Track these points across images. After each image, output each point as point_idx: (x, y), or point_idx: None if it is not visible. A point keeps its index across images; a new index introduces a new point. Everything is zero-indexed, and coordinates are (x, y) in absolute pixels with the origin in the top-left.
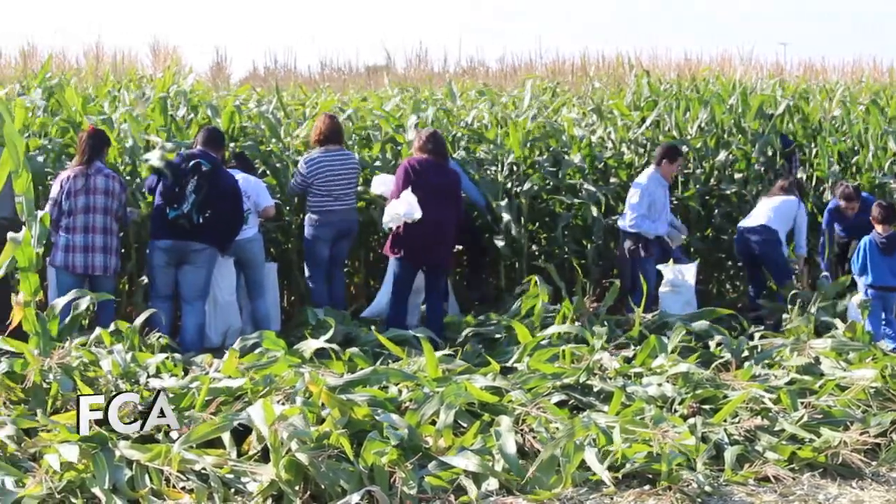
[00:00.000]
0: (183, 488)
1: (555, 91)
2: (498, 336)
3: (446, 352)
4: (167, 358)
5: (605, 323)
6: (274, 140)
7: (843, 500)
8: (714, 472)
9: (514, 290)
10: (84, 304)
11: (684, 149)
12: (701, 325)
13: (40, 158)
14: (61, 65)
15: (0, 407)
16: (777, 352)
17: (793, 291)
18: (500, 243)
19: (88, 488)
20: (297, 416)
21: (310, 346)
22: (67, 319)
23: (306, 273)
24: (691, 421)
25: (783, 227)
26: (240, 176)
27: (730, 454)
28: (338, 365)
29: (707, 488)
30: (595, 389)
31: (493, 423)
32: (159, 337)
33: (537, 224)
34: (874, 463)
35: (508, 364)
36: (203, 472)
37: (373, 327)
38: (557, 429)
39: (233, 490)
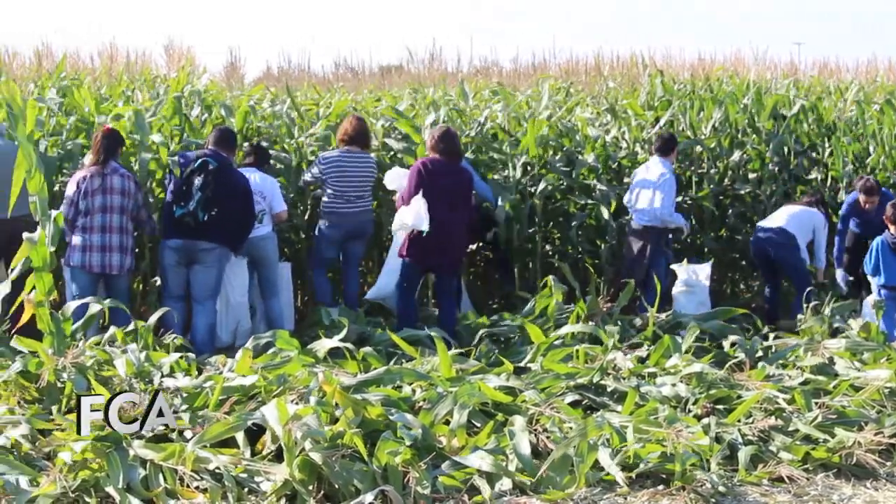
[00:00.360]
0: (197, 488)
1: (568, 91)
2: (511, 336)
3: (460, 351)
4: (181, 357)
5: (619, 323)
6: (288, 140)
7: (858, 501)
8: (728, 472)
9: (528, 290)
10: (98, 307)
11: (698, 149)
12: (715, 325)
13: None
14: (75, 64)
15: (14, 406)
16: (791, 352)
17: (808, 289)
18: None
19: (102, 487)
20: (310, 415)
21: (323, 345)
22: (81, 321)
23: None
24: (705, 421)
25: (801, 234)
26: (257, 176)
27: (744, 454)
28: (351, 364)
29: (721, 488)
30: (609, 389)
31: (506, 422)
32: (174, 337)
33: (551, 224)
34: (889, 463)
35: (522, 364)
36: (217, 471)
37: (387, 328)
38: (571, 429)
39: (246, 489)
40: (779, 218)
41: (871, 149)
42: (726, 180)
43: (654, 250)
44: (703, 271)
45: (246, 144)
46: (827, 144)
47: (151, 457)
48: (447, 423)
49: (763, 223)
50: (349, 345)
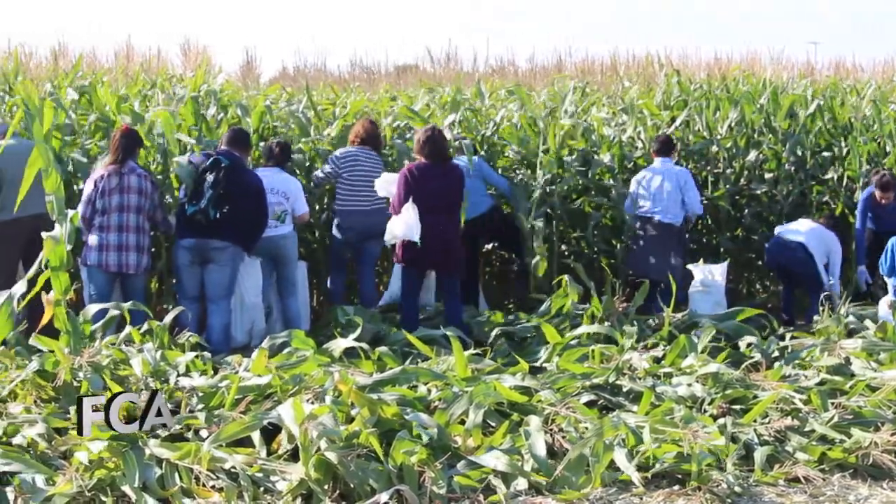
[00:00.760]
0: (213, 487)
1: (584, 90)
2: (527, 336)
3: (475, 351)
4: (197, 357)
5: (635, 322)
6: (304, 139)
7: (874, 502)
8: (744, 472)
9: (543, 290)
10: (117, 310)
11: (714, 149)
12: (731, 325)
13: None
14: (92, 64)
15: (31, 405)
16: (807, 352)
17: (824, 293)
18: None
19: (118, 486)
20: (326, 415)
21: (339, 345)
22: (101, 323)
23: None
24: (721, 421)
25: (819, 252)
26: (282, 176)
27: (760, 455)
28: (367, 364)
29: (737, 489)
30: (624, 389)
31: (522, 422)
32: (189, 336)
33: (567, 223)
34: None
35: (537, 364)
36: (233, 470)
37: (402, 328)
38: (587, 429)
39: (262, 489)
40: (797, 232)
41: (887, 148)
42: (742, 180)
43: (679, 248)
44: (720, 271)
45: (265, 144)
46: (843, 144)
47: (167, 456)
48: (463, 422)
49: (781, 234)
50: (364, 344)
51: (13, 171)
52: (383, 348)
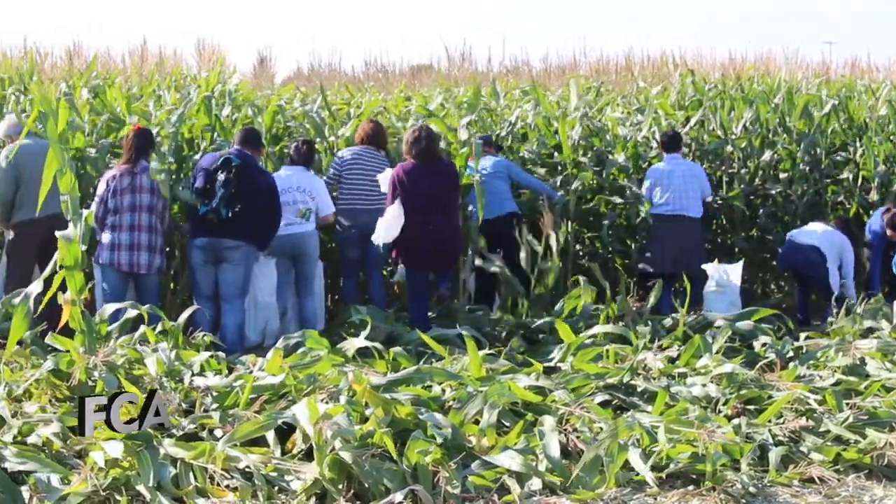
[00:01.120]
0: (227, 486)
1: (599, 90)
2: (542, 336)
3: (490, 351)
4: (211, 356)
5: (649, 322)
6: (318, 139)
7: (889, 502)
8: (758, 472)
9: (558, 290)
10: (134, 311)
11: (729, 149)
12: (745, 325)
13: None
14: (107, 64)
15: (46, 404)
16: (822, 353)
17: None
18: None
19: (133, 486)
20: (340, 414)
21: (353, 344)
22: (118, 324)
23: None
24: (736, 421)
25: (832, 255)
26: (307, 176)
27: (774, 455)
28: (381, 364)
29: (751, 489)
30: (639, 389)
31: (536, 422)
32: (203, 335)
33: (581, 223)
34: None
35: (552, 364)
36: (247, 470)
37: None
38: (601, 429)
39: (276, 488)
40: (811, 235)
41: None
42: (757, 180)
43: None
44: (735, 271)
45: (292, 142)
46: (858, 144)
47: (182, 455)
48: (477, 422)
49: (794, 238)
50: (378, 344)
51: (30, 171)
52: (397, 348)
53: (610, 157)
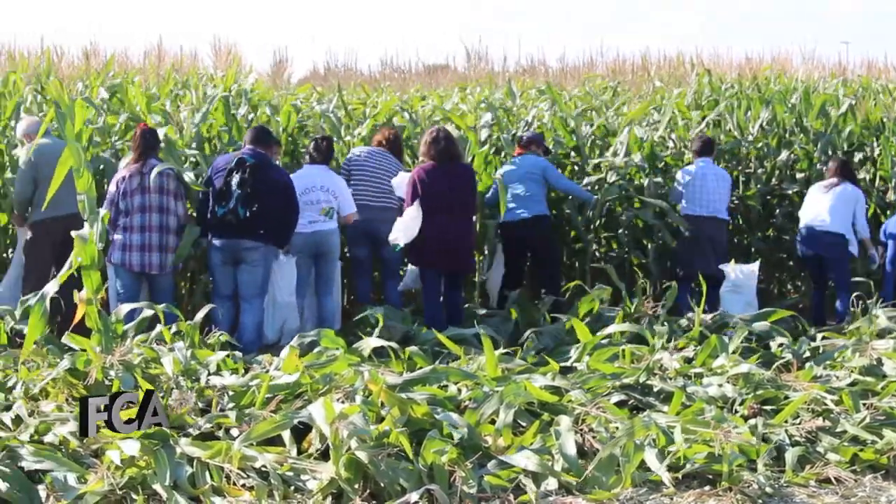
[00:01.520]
0: (243, 485)
1: (615, 90)
2: (558, 335)
3: (505, 351)
4: (227, 356)
5: (666, 323)
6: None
7: None
8: (775, 473)
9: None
10: (149, 311)
11: (745, 148)
12: (762, 325)
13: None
14: (123, 64)
15: (63, 403)
16: (839, 353)
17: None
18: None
19: (149, 485)
20: (356, 414)
21: (368, 344)
22: (133, 324)
23: None
24: (752, 422)
25: (847, 226)
26: (331, 175)
27: (791, 455)
28: (397, 363)
29: (768, 489)
30: (655, 389)
31: (552, 422)
32: (219, 334)
33: (598, 223)
34: None
35: (568, 364)
36: (263, 469)
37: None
38: (617, 429)
39: (292, 488)
40: (821, 215)
41: None
42: (774, 180)
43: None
44: (751, 271)
45: (312, 141)
46: (875, 144)
47: (198, 454)
48: (493, 422)
49: (808, 222)
50: (394, 344)
51: (48, 171)
52: (413, 348)
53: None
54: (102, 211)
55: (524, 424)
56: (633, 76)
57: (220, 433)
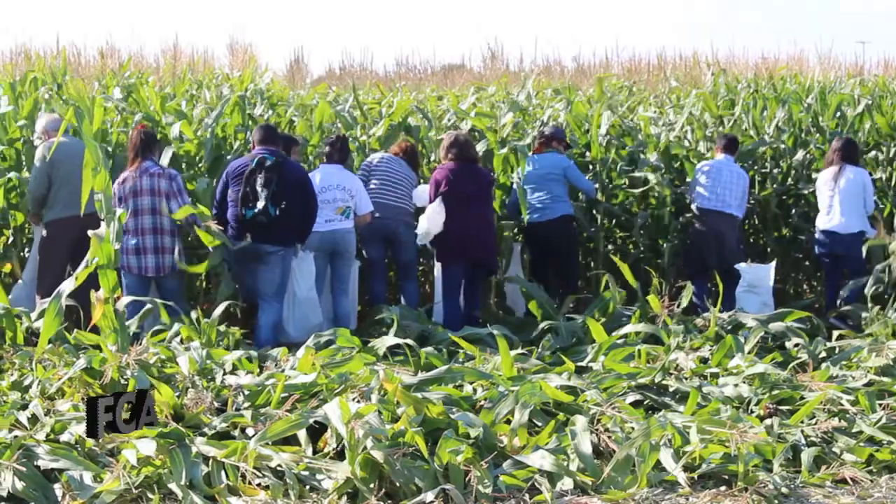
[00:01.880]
0: (259, 485)
1: (631, 90)
2: (573, 335)
3: (521, 351)
4: (243, 355)
5: (681, 322)
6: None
7: None
8: (791, 473)
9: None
10: (147, 307)
11: (761, 148)
12: (778, 325)
13: None
14: (139, 63)
15: (79, 402)
16: (855, 353)
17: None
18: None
19: (165, 484)
20: (372, 413)
21: (384, 343)
22: (133, 320)
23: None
24: (768, 422)
25: (863, 214)
26: (348, 174)
27: (807, 456)
28: (412, 363)
29: (784, 490)
30: (670, 389)
31: (567, 422)
32: (234, 332)
33: (613, 222)
34: None
35: (583, 363)
36: (279, 468)
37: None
38: (633, 429)
39: (308, 487)
40: (835, 218)
41: None
42: (790, 180)
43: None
44: (767, 271)
45: (328, 140)
46: (892, 144)
47: (214, 454)
48: (508, 422)
49: (825, 227)
50: (410, 341)
51: (64, 170)
52: (429, 347)
53: (642, 156)
54: (120, 210)
55: (540, 424)
56: (648, 76)
57: (236, 432)
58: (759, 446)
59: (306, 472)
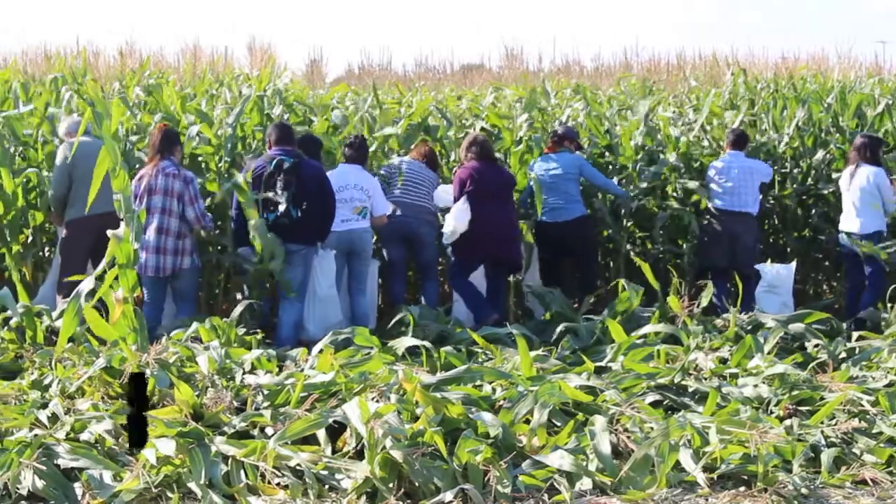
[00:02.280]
0: (278, 484)
1: (650, 90)
2: (593, 335)
3: (541, 351)
4: (262, 354)
5: (701, 323)
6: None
7: None
8: (810, 474)
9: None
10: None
11: (781, 148)
12: (797, 326)
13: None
14: (159, 63)
15: (99, 402)
16: (875, 353)
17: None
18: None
19: (185, 483)
20: (391, 413)
21: (403, 342)
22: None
23: None
24: (787, 422)
25: (880, 215)
26: (366, 174)
27: (826, 456)
28: (430, 363)
29: (803, 490)
30: (690, 390)
31: (587, 422)
32: (254, 331)
33: (632, 223)
34: None
35: (603, 363)
36: (298, 468)
37: (467, 328)
38: (652, 429)
39: (327, 486)
40: (854, 223)
41: None
42: (809, 180)
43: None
44: (787, 272)
45: (347, 140)
46: None
47: (233, 453)
48: (527, 422)
49: (847, 229)
50: (428, 343)
51: (84, 170)
52: (448, 347)
53: (661, 156)
54: (139, 209)
55: (559, 424)
56: (668, 76)
57: (255, 432)
58: (778, 447)
59: (325, 472)
